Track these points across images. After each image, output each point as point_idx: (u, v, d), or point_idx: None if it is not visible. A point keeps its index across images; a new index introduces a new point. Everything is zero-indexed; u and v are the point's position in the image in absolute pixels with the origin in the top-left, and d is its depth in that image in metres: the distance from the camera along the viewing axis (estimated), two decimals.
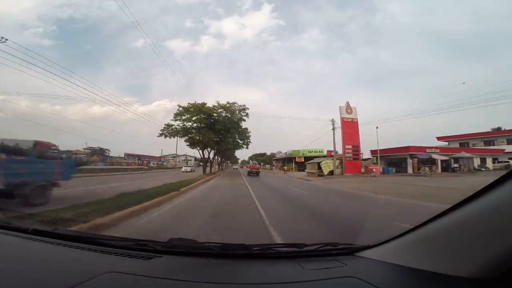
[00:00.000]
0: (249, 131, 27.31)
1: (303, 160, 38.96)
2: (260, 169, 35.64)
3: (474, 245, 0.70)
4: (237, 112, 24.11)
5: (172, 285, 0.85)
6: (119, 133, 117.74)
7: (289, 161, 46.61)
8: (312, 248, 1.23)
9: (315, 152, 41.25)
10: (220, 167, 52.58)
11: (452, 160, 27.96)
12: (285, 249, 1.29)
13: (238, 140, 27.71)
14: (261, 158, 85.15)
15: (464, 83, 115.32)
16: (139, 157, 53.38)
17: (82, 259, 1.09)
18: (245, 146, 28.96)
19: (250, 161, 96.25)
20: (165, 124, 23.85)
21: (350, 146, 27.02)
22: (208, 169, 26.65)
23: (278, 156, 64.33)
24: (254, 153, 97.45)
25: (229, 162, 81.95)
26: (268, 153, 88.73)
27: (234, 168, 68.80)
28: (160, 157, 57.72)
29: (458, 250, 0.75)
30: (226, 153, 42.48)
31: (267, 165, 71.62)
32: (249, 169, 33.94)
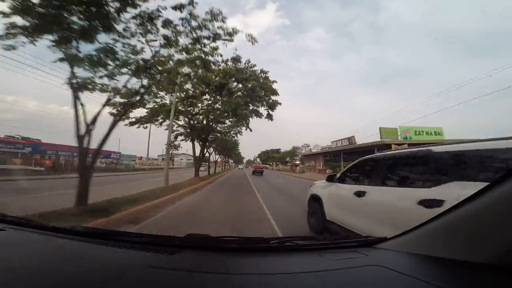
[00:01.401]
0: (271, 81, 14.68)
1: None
2: (263, 169, 35.81)
3: (494, 232, 0.70)
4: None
5: (198, 277, 0.86)
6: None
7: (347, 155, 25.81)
8: (330, 240, 1.30)
9: (427, 133, 21.34)
10: (224, 167, 46.67)
11: None
12: (304, 241, 1.27)
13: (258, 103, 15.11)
14: (276, 156, 63.83)
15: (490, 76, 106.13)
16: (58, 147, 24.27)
17: (108, 255, 1.08)
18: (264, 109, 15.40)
19: (256, 160, 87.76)
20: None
21: None
22: (200, 170, 17.51)
23: (316, 149, 43.61)
24: (262, 151, 79.67)
25: (231, 161, 64.97)
26: (283, 149, 67.01)
27: (239, 168, 61.89)
28: (113, 152, 33.87)
29: (474, 239, 0.76)
30: (228, 149, 33.49)
31: (280, 165, 58.65)
32: (253, 169, 34.96)
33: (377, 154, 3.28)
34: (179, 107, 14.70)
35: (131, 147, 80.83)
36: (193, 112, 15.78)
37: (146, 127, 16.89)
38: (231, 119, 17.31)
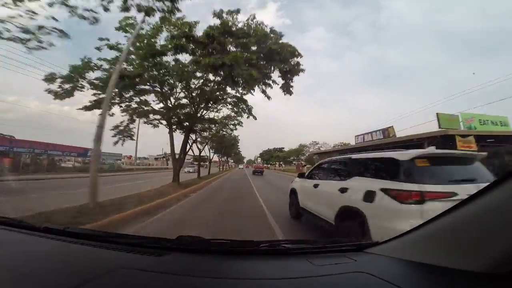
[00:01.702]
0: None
1: (471, 144, 13.11)
2: (263, 169, 35.25)
3: (486, 240, 0.69)
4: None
5: (183, 280, 0.85)
6: None
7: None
8: (320, 244, 1.29)
9: (492, 122, 16.50)
10: (223, 167, 42.83)
11: None
12: (293, 245, 1.28)
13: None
14: (280, 154, 58.10)
15: (474, 73, 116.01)
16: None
17: (94, 255, 1.08)
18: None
19: (257, 159, 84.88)
20: None
21: None
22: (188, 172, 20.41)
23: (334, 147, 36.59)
24: (264, 150, 74.59)
25: (231, 160, 60.39)
26: (288, 148, 61.21)
27: (239, 168, 58.87)
28: (81, 148, 25.60)
29: (469, 245, 0.74)
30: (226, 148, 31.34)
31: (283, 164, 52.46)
32: (254, 169, 34.93)
33: (326, 159, 4.67)
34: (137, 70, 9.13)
35: (131, 146, 76.93)
36: (163, 79, 10.09)
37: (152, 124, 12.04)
38: (228, 99, 12.23)
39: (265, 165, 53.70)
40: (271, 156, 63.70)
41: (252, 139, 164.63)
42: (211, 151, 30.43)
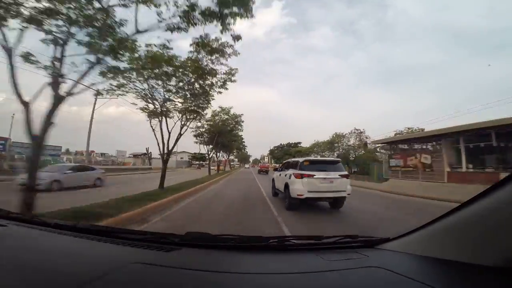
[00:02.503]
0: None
1: None
2: (269, 168, 33.07)
3: (498, 235, 0.68)
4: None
5: (193, 275, 0.84)
6: None
7: None
8: (331, 240, 1.22)
9: None
10: (224, 167, 36.47)
11: None
12: (303, 241, 1.26)
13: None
14: (302, 150, 44.12)
15: (489, 65, 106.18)
16: None
17: (105, 251, 1.08)
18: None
19: (265, 158, 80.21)
20: None
21: None
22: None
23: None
24: (275, 146, 63.01)
25: (233, 157, 54.71)
26: (308, 144, 46.73)
27: (246, 167, 58.21)
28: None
29: (481, 240, 0.74)
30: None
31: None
32: (259, 168, 36.05)
33: (284, 161, 9.29)
34: None
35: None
36: None
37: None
38: None
39: (275, 164, 42.79)
40: (285, 153, 48.33)
41: (257, 138, 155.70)
42: (205, 147, 23.53)
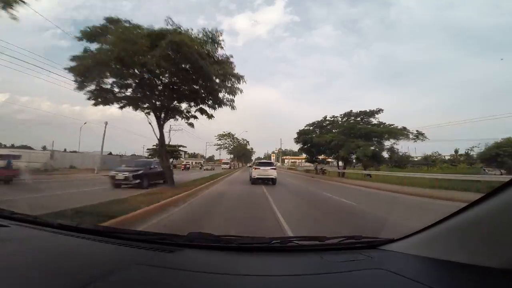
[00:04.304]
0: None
1: None
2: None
3: (506, 236, 0.68)
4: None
5: (196, 276, 0.85)
6: None
7: None
8: (334, 241, 1.22)
9: None
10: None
11: None
12: (306, 242, 1.23)
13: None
14: (378, 130, 21.07)
15: (502, 59, 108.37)
16: None
17: (109, 252, 1.09)
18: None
19: (271, 157, 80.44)
20: None
21: None
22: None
23: None
24: (305, 127, 28.94)
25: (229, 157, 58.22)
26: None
27: (248, 166, 58.27)
28: None
29: (487, 242, 0.73)
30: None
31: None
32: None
33: (257, 161, 19.24)
34: None
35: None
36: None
37: None
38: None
39: (307, 163, 37.89)
40: (336, 143, 22.08)
41: (259, 137, 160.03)
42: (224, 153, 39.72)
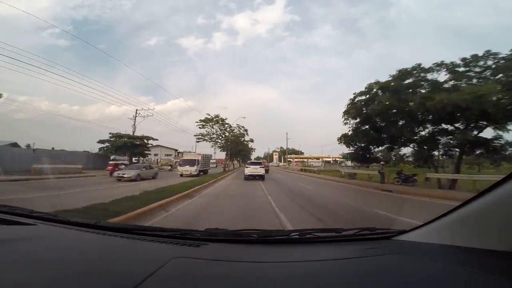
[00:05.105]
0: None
1: None
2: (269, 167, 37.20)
3: None
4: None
5: (228, 266, 0.91)
6: None
7: None
8: (350, 232, 1.25)
9: None
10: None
11: None
12: (323, 233, 1.28)
13: None
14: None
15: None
16: None
17: (143, 249, 1.11)
18: None
19: (273, 156, 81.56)
20: None
21: None
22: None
23: None
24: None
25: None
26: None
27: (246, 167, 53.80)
28: None
29: (500, 227, 0.75)
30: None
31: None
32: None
33: (249, 161, 23.28)
34: None
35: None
36: None
37: None
38: None
39: (340, 160, 36.10)
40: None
41: (259, 136, 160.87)
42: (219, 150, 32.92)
